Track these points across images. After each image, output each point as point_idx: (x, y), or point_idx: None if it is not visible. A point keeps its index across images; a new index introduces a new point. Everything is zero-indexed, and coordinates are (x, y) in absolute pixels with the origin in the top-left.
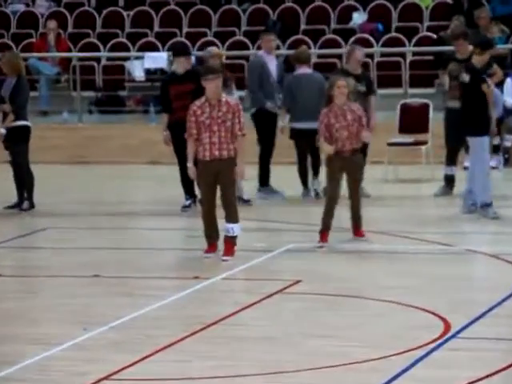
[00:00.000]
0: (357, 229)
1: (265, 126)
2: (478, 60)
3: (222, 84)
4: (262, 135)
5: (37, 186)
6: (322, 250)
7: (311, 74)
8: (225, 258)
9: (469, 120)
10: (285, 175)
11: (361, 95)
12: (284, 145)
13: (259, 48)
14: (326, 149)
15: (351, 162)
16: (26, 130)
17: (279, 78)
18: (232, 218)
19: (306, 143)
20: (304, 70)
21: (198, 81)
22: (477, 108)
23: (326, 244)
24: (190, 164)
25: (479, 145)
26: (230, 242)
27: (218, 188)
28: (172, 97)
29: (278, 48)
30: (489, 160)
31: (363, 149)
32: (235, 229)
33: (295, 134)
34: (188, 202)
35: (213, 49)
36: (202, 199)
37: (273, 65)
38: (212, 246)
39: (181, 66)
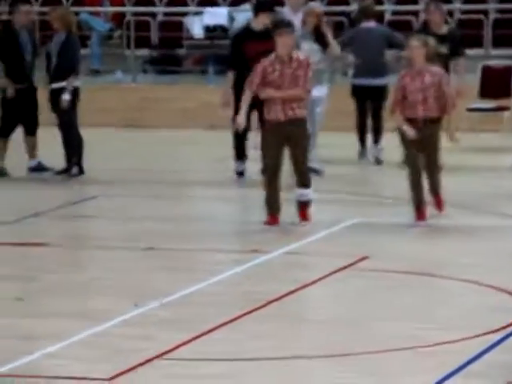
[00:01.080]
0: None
1: None
2: None
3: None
4: None
5: (87, 151)
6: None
7: (376, 28)
8: (304, 223)
9: None
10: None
11: (443, 57)
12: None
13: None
14: (397, 121)
15: (424, 135)
16: (75, 91)
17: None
18: (305, 182)
19: (365, 101)
20: (368, 24)
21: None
22: None
23: (423, 223)
24: (242, 114)
25: None
26: (304, 206)
27: (289, 152)
28: (249, 56)
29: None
30: None
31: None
32: (309, 194)
33: (355, 91)
34: (241, 168)
35: (311, 5)
36: (265, 166)
37: (298, 22)
38: (273, 218)
39: (260, 21)
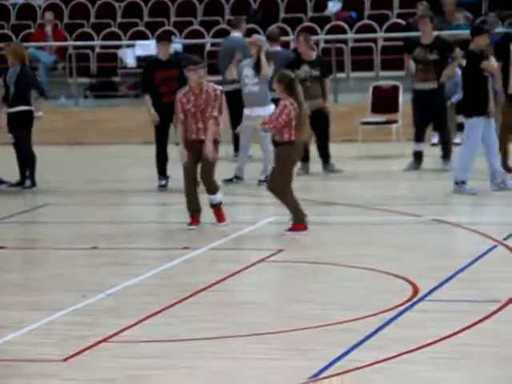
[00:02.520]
0: None
1: None
2: (473, 45)
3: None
4: None
5: (37, 166)
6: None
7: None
8: (221, 224)
9: (467, 102)
10: None
11: (315, 79)
12: None
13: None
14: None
15: None
16: (29, 115)
17: None
18: (212, 190)
19: None
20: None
21: (182, 67)
22: (473, 90)
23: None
24: (181, 148)
25: (470, 127)
26: (218, 208)
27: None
28: (158, 82)
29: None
30: (479, 142)
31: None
32: (217, 197)
33: None
34: (164, 182)
35: (255, 37)
36: (184, 175)
37: None
38: (195, 219)
39: (164, 52)
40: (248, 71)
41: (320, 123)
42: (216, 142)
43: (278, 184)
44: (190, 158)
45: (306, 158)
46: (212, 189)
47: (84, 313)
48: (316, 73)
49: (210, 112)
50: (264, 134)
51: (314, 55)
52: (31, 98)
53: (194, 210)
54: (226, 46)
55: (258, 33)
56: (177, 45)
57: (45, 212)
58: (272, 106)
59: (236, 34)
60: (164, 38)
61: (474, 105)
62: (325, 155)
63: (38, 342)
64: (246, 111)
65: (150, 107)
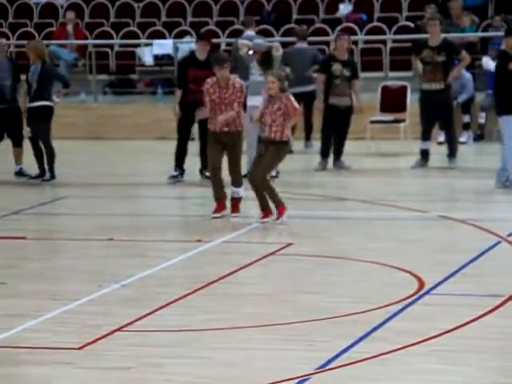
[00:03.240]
0: None
1: None
2: (505, 46)
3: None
4: None
5: (57, 159)
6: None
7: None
8: (234, 214)
9: (498, 100)
10: None
11: (345, 79)
12: None
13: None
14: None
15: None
16: (49, 109)
17: None
18: (237, 182)
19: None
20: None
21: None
22: (504, 89)
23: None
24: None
25: (505, 125)
26: (237, 202)
27: (226, 155)
28: (189, 78)
29: (272, 35)
30: None
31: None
32: (240, 192)
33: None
34: (176, 173)
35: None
36: (209, 162)
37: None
38: (220, 206)
39: (202, 51)
40: (254, 63)
41: (342, 121)
42: (239, 133)
43: (264, 179)
44: (215, 147)
45: (326, 154)
46: (238, 181)
47: (99, 302)
48: (347, 73)
49: (237, 104)
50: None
51: (346, 56)
52: (52, 93)
53: (220, 197)
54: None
55: (271, 34)
56: (192, 44)
57: (63, 204)
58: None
59: (250, 33)
60: (203, 38)
61: (505, 103)
62: (338, 152)
63: (54, 330)
64: (252, 101)
65: (175, 103)
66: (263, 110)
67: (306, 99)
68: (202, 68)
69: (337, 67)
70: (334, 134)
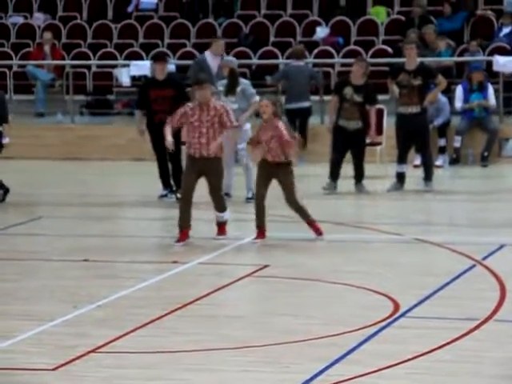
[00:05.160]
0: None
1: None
2: None
3: None
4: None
5: (33, 179)
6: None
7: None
8: (220, 237)
9: None
10: None
11: (355, 103)
12: None
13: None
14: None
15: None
16: None
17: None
18: (221, 207)
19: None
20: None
21: (178, 87)
22: None
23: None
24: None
25: None
26: (223, 225)
27: (206, 182)
28: (151, 100)
29: (249, 57)
30: None
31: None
32: (225, 215)
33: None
34: (165, 192)
35: (226, 59)
36: (182, 187)
37: (216, 65)
38: (183, 235)
39: (160, 71)
40: (223, 90)
41: (352, 143)
42: (219, 160)
43: (297, 200)
44: (191, 174)
45: (334, 176)
46: (221, 206)
47: (74, 323)
48: (358, 98)
49: (230, 123)
50: (243, 153)
51: (362, 81)
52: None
53: (184, 226)
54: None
55: (248, 56)
56: (171, 66)
57: (39, 224)
58: (248, 125)
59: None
60: (160, 58)
61: None
62: (356, 175)
63: (28, 351)
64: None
65: (138, 121)
66: (258, 135)
67: (303, 114)
68: (161, 87)
69: (348, 91)
70: (352, 158)
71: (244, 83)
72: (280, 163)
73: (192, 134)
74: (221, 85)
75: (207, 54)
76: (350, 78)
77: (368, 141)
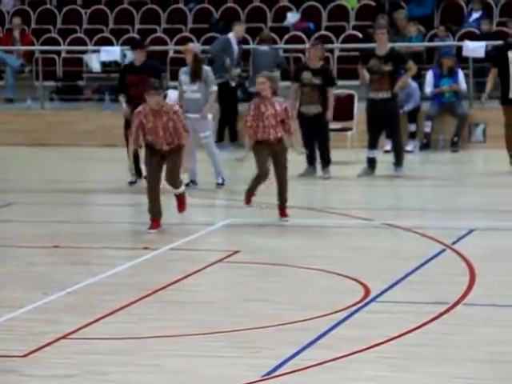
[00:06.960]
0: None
1: None
2: None
3: None
4: None
5: (3, 165)
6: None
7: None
8: (181, 213)
9: None
10: None
11: (314, 87)
12: None
13: (204, 43)
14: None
15: (276, 152)
16: None
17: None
18: (177, 187)
19: None
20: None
21: (154, 72)
22: None
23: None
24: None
25: None
26: (182, 197)
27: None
28: (128, 84)
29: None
30: None
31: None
32: (180, 190)
33: None
34: (134, 178)
35: (189, 45)
36: (147, 177)
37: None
38: (155, 222)
39: (137, 58)
40: (185, 78)
41: (314, 129)
42: (180, 147)
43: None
44: (154, 162)
45: (309, 161)
46: (176, 185)
47: (45, 310)
48: (317, 81)
49: (182, 131)
50: (208, 140)
51: (319, 64)
52: None
53: (155, 213)
54: None
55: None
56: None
57: (9, 211)
58: (210, 115)
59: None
60: (136, 47)
61: None
62: (322, 160)
63: None
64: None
65: (122, 103)
66: (254, 114)
67: None
68: (137, 73)
69: (306, 75)
70: (316, 143)
71: (206, 70)
72: (279, 140)
73: (150, 136)
74: (183, 72)
75: (231, 37)
76: (307, 62)
77: (334, 126)
